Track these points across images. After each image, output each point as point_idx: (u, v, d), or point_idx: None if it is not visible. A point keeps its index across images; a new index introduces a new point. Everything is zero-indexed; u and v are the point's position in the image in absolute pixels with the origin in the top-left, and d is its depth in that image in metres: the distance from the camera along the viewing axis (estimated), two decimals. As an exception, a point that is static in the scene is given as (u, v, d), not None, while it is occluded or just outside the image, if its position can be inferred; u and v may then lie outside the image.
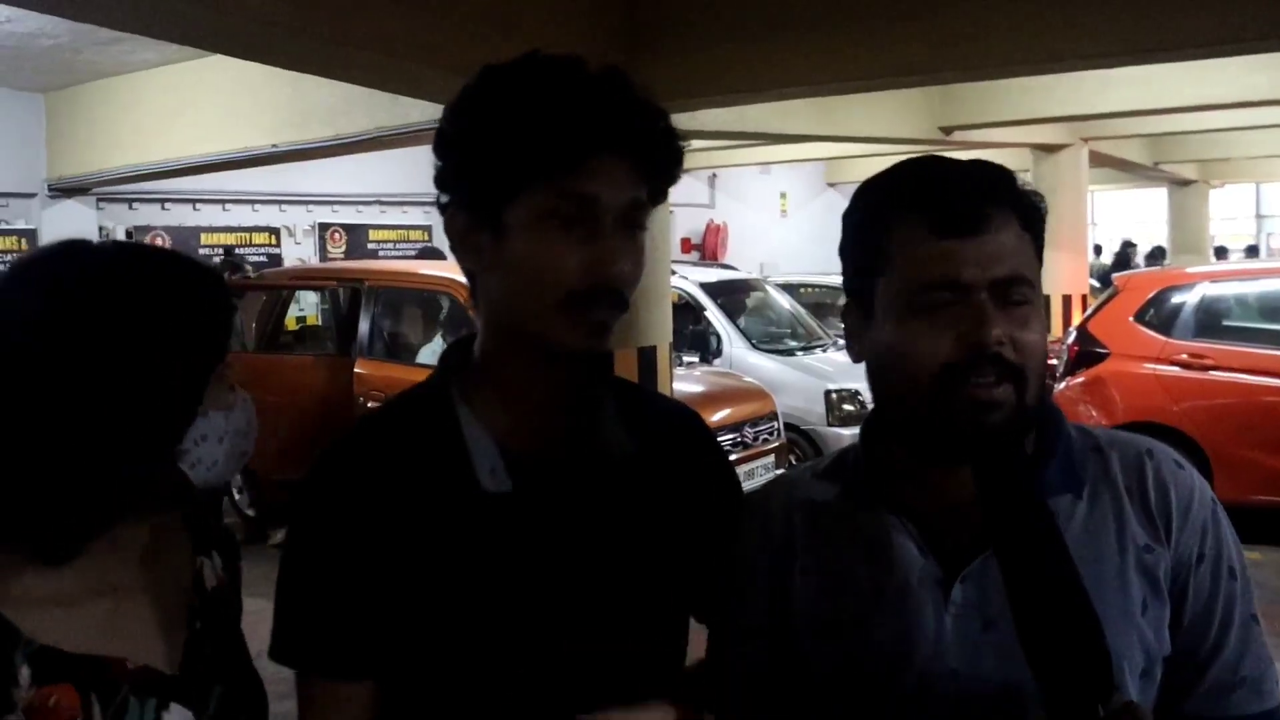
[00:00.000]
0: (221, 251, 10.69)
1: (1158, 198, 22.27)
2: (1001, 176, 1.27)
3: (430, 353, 7.42)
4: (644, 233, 1.31)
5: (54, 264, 1.29)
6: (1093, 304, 9.59)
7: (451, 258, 1.45)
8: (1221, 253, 20.74)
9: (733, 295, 10.31)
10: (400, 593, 1.28)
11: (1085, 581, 1.20)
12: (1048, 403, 1.32)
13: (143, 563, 1.34)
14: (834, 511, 1.36)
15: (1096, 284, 13.76)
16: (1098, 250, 18.85)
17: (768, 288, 10.92)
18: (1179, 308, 7.83)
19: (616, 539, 1.34)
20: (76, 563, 1.28)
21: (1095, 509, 1.28)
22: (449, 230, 1.33)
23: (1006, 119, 10.56)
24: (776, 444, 7.97)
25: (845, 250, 1.35)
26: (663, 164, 1.30)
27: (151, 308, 1.25)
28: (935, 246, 1.22)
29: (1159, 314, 7.87)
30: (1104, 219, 25.87)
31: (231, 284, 1.61)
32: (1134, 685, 1.24)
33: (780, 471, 7.62)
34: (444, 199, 1.33)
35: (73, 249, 1.31)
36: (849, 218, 1.34)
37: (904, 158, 1.34)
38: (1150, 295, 7.97)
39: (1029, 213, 1.26)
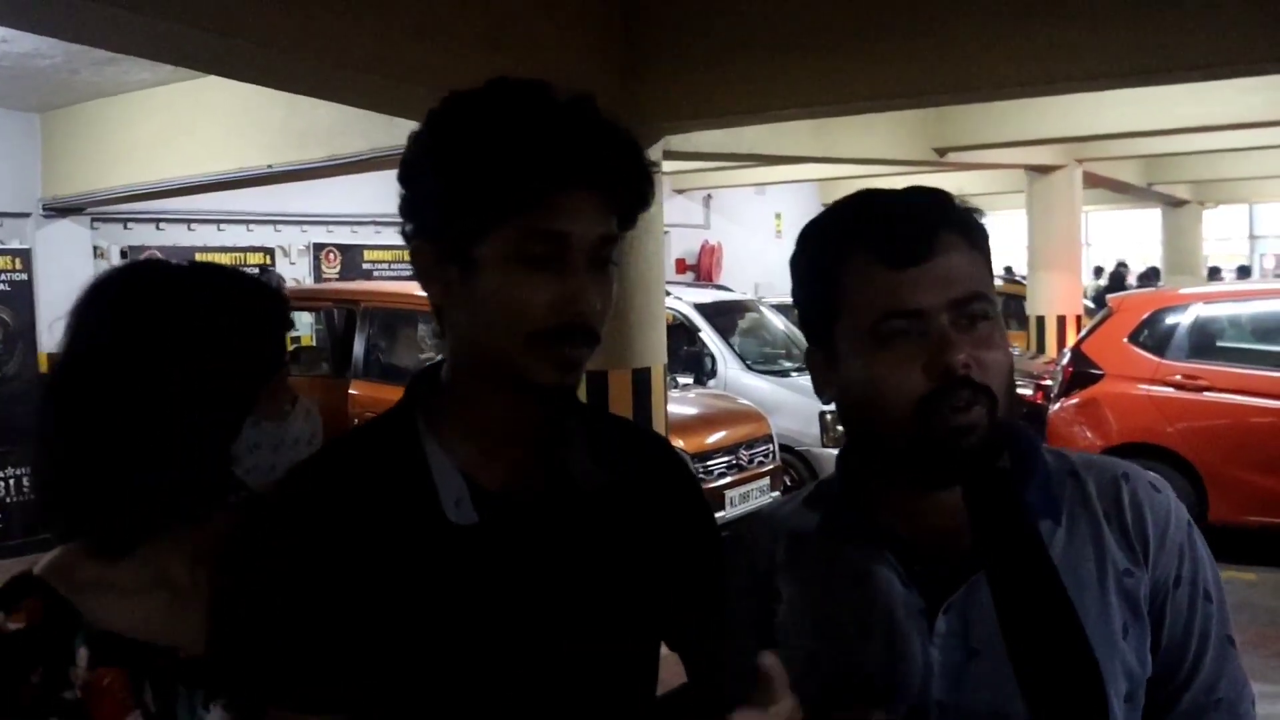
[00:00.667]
0: (258, 270, 10.63)
1: (1151, 218, 22.33)
2: (940, 200, 1.28)
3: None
4: (614, 266, 1.30)
5: (125, 283, 1.42)
6: (1087, 325, 9.61)
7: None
8: (1215, 273, 20.79)
9: (727, 316, 10.34)
10: (362, 622, 1.25)
11: None
12: (1022, 428, 1.33)
13: (201, 563, 1.42)
14: (816, 544, 1.36)
15: (1091, 305, 13.78)
16: (1098, 272, 18.85)
17: (762, 309, 10.94)
18: (1173, 329, 7.86)
19: (585, 571, 1.32)
20: (136, 557, 1.38)
21: (1074, 535, 1.29)
22: (415, 262, 1.31)
23: (1001, 140, 10.58)
24: (772, 466, 7.98)
25: (798, 296, 1.35)
26: (633, 194, 1.29)
27: (212, 325, 1.38)
28: (888, 278, 1.23)
29: (1153, 335, 7.90)
30: (1097, 239, 25.92)
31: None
32: (1119, 710, 1.24)
33: (775, 495, 7.63)
34: (409, 228, 1.31)
35: (144, 269, 1.45)
36: (797, 264, 1.34)
37: (898, 179, 1.35)
38: (1144, 316, 8.00)
39: (973, 230, 1.27)
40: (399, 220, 1.31)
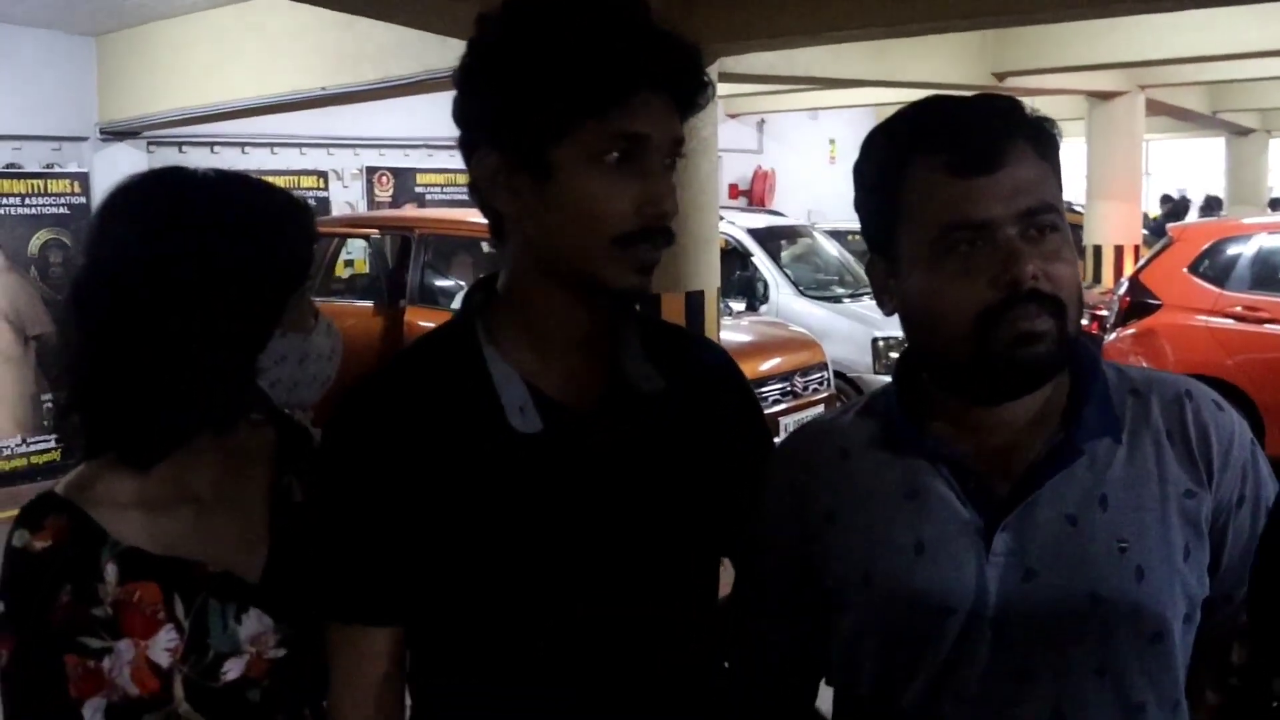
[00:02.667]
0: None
1: (1214, 148, 21.85)
2: (1011, 107, 1.25)
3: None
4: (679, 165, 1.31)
5: (148, 191, 1.39)
6: (1145, 255, 9.47)
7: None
8: (1277, 204, 20.36)
9: (780, 241, 10.24)
10: (428, 533, 1.27)
11: (1127, 528, 1.23)
12: (1083, 344, 1.30)
13: (228, 475, 1.42)
14: (869, 458, 1.33)
15: (1148, 234, 13.55)
16: (1165, 200, 18.43)
17: (815, 234, 10.86)
18: (1234, 259, 7.72)
19: (647, 478, 1.33)
20: (162, 471, 1.37)
21: (1135, 454, 1.26)
22: (477, 171, 1.30)
23: (1061, 65, 10.36)
24: (826, 394, 7.95)
25: (860, 203, 1.32)
26: (697, 99, 1.30)
27: (239, 235, 1.35)
28: (954, 187, 1.20)
29: (1214, 265, 7.76)
30: (1158, 169, 25.43)
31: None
32: (1177, 630, 1.23)
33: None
34: (469, 136, 1.30)
35: (167, 177, 1.42)
36: (860, 169, 1.32)
37: None
38: (1205, 246, 7.86)
39: (1043, 140, 1.24)
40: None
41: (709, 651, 1.42)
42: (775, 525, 1.38)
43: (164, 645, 1.33)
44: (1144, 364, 7.62)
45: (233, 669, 1.35)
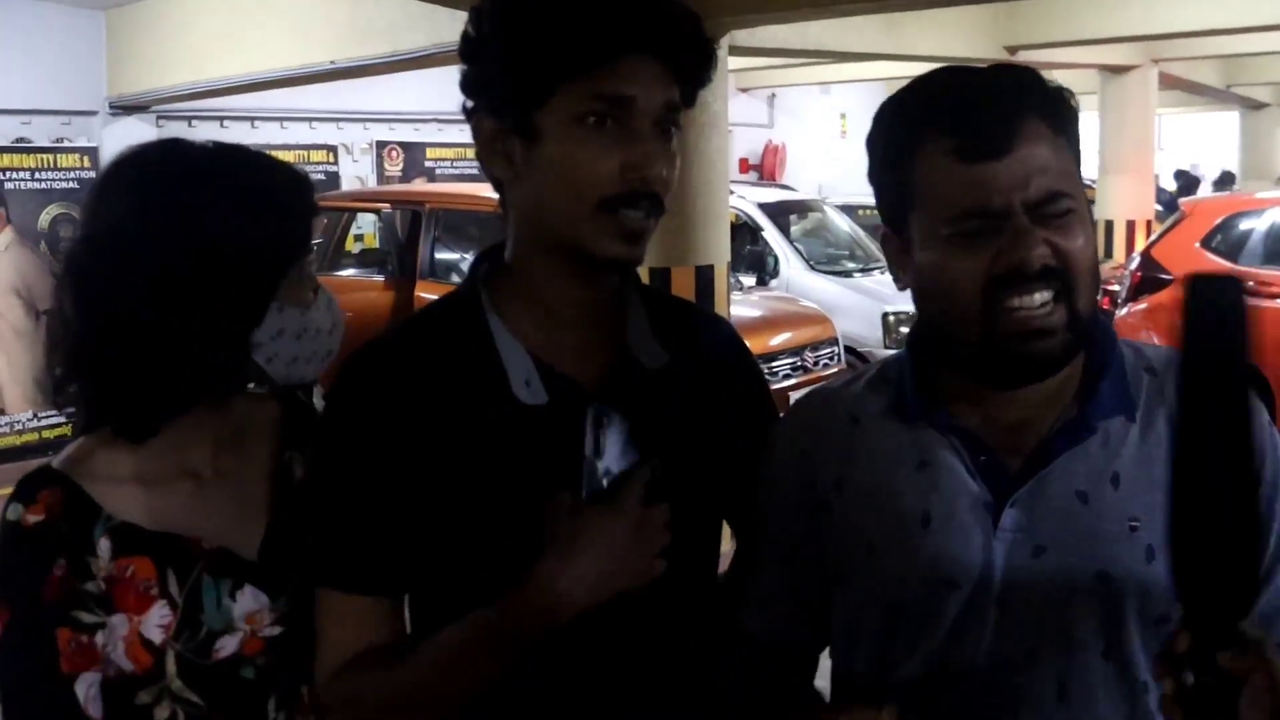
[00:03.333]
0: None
1: (1228, 122, 21.72)
2: (1025, 80, 1.21)
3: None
4: (678, 135, 1.29)
5: (146, 163, 1.37)
6: (1158, 229, 9.43)
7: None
8: (1289, 179, 20.23)
9: (791, 216, 10.22)
10: (428, 501, 1.27)
11: (1140, 508, 1.21)
12: (1100, 320, 1.28)
13: (227, 450, 1.42)
14: (880, 427, 1.32)
15: (1160, 209, 13.49)
16: (1179, 175, 18.32)
17: (826, 209, 10.83)
18: (1247, 234, 7.68)
19: (650, 450, 1.30)
20: (158, 445, 1.36)
21: (1149, 433, 1.25)
22: (476, 137, 1.31)
23: (1074, 38, 10.30)
24: (837, 369, 7.95)
25: (873, 177, 1.31)
26: (695, 64, 1.28)
27: (236, 208, 1.34)
28: (964, 173, 1.17)
29: (1226, 240, 7.72)
30: (1170, 143, 25.29)
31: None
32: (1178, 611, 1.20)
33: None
34: (470, 105, 1.31)
35: (165, 149, 1.40)
36: (872, 144, 1.29)
37: None
38: (1218, 221, 7.83)
39: (1061, 114, 1.21)
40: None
41: (707, 624, 1.42)
42: (783, 491, 1.37)
43: (156, 621, 1.33)
44: (1155, 339, 7.60)
45: (226, 646, 1.35)
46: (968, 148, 1.17)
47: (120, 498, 1.34)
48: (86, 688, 1.30)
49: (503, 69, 1.24)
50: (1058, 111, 1.21)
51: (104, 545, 1.32)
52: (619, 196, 1.23)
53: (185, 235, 1.31)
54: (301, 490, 1.41)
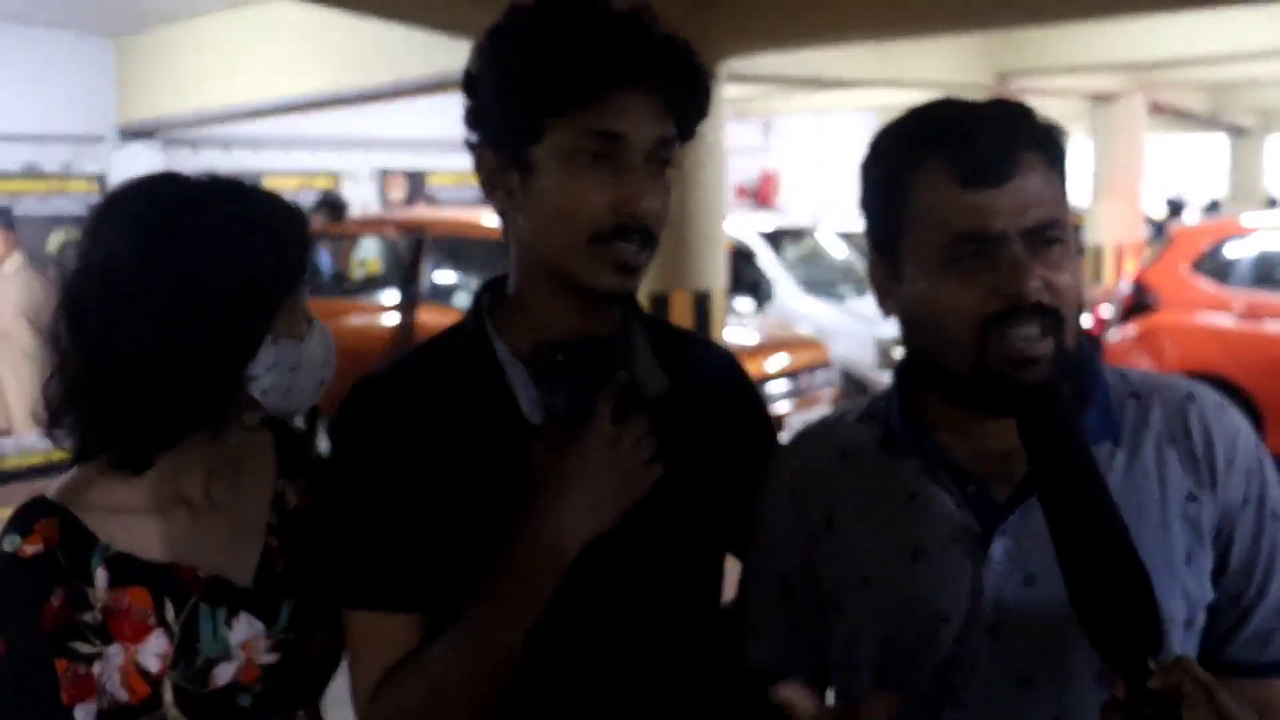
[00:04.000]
0: (321, 195, 10.68)
1: (1215, 145, 21.77)
2: (1022, 115, 1.22)
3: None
4: (672, 170, 1.30)
5: (142, 196, 1.37)
6: (1146, 254, 9.51)
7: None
8: (1274, 204, 20.31)
9: (785, 241, 10.28)
10: (441, 520, 1.27)
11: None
12: (1084, 348, 1.28)
13: (222, 479, 1.41)
14: (869, 461, 1.31)
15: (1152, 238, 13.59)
16: (1171, 205, 18.37)
17: (820, 234, 10.88)
18: (1235, 258, 7.72)
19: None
20: (153, 475, 1.35)
21: (1135, 458, 1.24)
22: (479, 170, 1.32)
23: (1065, 65, 10.43)
24: (831, 393, 8.01)
25: (866, 202, 1.29)
26: (690, 99, 1.29)
27: (228, 240, 1.33)
28: (964, 198, 1.17)
29: (1214, 264, 7.75)
30: (1159, 168, 25.31)
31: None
32: (1177, 635, 1.21)
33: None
34: (473, 139, 1.32)
35: (161, 181, 1.39)
36: (867, 169, 1.28)
37: None
38: (1206, 245, 7.86)
39: (1053, 149, 1.21)
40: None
41: (711, 650, 1.41)
42: (776, 528, 1.37)
43: (154, 651, 1.32)
44: (1145, 362, 7.64)
45: (223, 674, 1.35)
46: (968, 174, 1.17)
47: (116, 527, 1.34)
48: (84, 717, 1.30)
49: (497, 105, 1.26)
50: (1051, 145, 1.22)
51: (101, 575, 1.31)
52: (609, 230, 1.24)
53: (180, 268, 1.30)
54: (300, 517, 1.42)
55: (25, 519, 1.31)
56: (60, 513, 1.31)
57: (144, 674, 1.31)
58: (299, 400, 1.44)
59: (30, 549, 1.29)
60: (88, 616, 1.30)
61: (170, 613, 1.33)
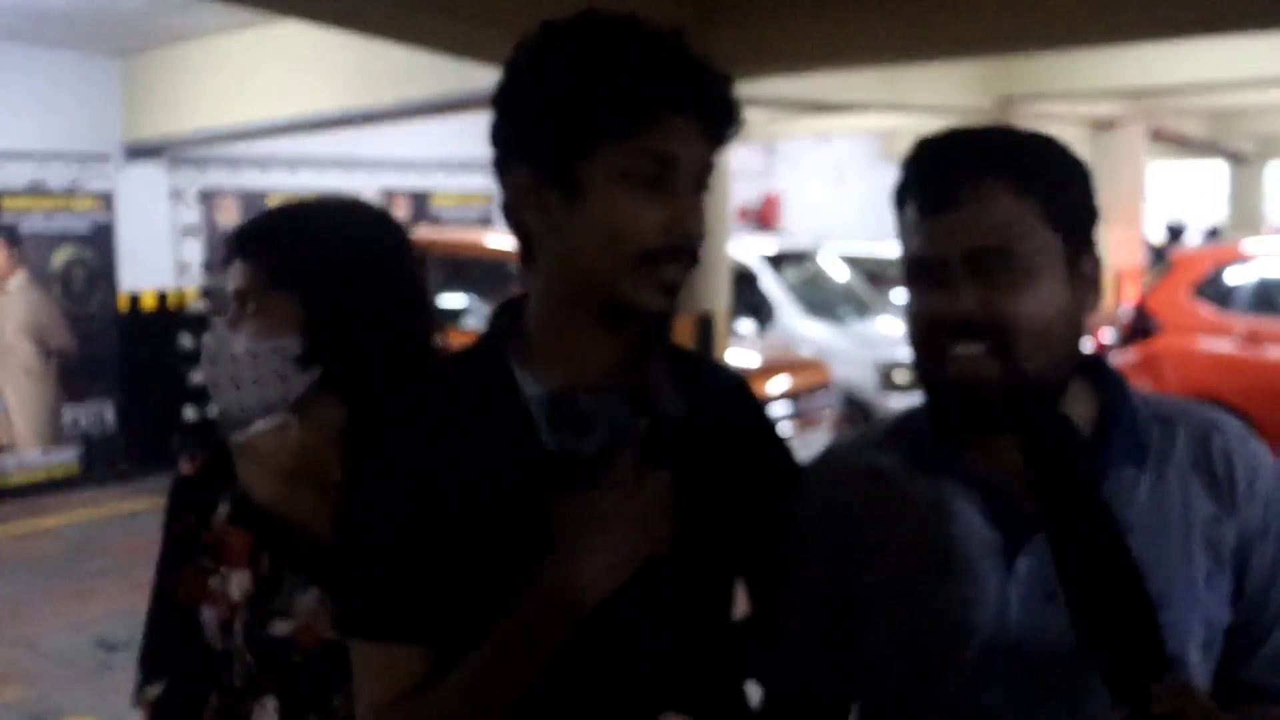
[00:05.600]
0: None
1: (1214, 172, 21.81)
2: (994, 144, 1.27)
3: (479, 321, 7.51)
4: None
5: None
6: (1146, 279, 9.51)
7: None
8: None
9: (788, 264, 10.32)
10: (455, 552, 1.26)
11: (1148, 556, 1.19)
12: (1110, 372, 1.33)
13: (317, 449, 1.54)
14: (898, 479, 1.34)
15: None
16: (1170, 231, 18.39)
17: (823, 257, 10.91)
18: (1237, 283, 7.75)
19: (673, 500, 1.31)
20: (298, 443, 1.53)
21: (1159, 482, 1.27)
22: (510, 187, 1.31)
23: (1067, 91, 10.43)
24: (833, 416, 8.01)
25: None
26: (728, 127, 1.31)
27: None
28: (919, 224, 1.26)
29: (1216, 289, 7.78)
30: (1159, 194, 25.31)
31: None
32: (1195, 658, 1.24)
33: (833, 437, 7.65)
34: (501, 156, 1.32)
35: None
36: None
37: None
38: (1208, 270, 7.89)
39: (1030, 175, 1.24)
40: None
41: (723, 672, 1.42)
42: (807, 544, 1.39)
43: (238, 584, 1.53)
44: (1146, 387, 7.63)
45: (280, 628, 1.51)
46: (923, 202, 1.26)
47: (253, 477, 1.55)
48: (209, 617, 1.55)
49: (544, 123, 1.25)
50: (1025, 171, 1.24)
51: (222, 509, 1.56)
52: (659, 251, 1.25)
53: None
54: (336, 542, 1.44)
55: (198, 450, 1.62)
56: (222, 451, 1.58)
57: (228, 599, 1.54)
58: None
59: (186, 470, 1.61)
60: (208, 537, 1.56)
61: (265, 561, 1.53)
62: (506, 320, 1.38)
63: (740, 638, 1.46)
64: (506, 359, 1.33)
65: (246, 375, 1.50)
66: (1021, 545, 1.25)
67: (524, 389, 1.31)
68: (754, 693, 1.47)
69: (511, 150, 1.31)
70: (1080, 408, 1.31)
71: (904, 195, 1.29)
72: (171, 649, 1.59)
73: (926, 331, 1.26)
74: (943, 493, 1.30)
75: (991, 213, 1.22)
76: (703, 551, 1.33)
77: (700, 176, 1.29)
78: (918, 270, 1.27)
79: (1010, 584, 1.25)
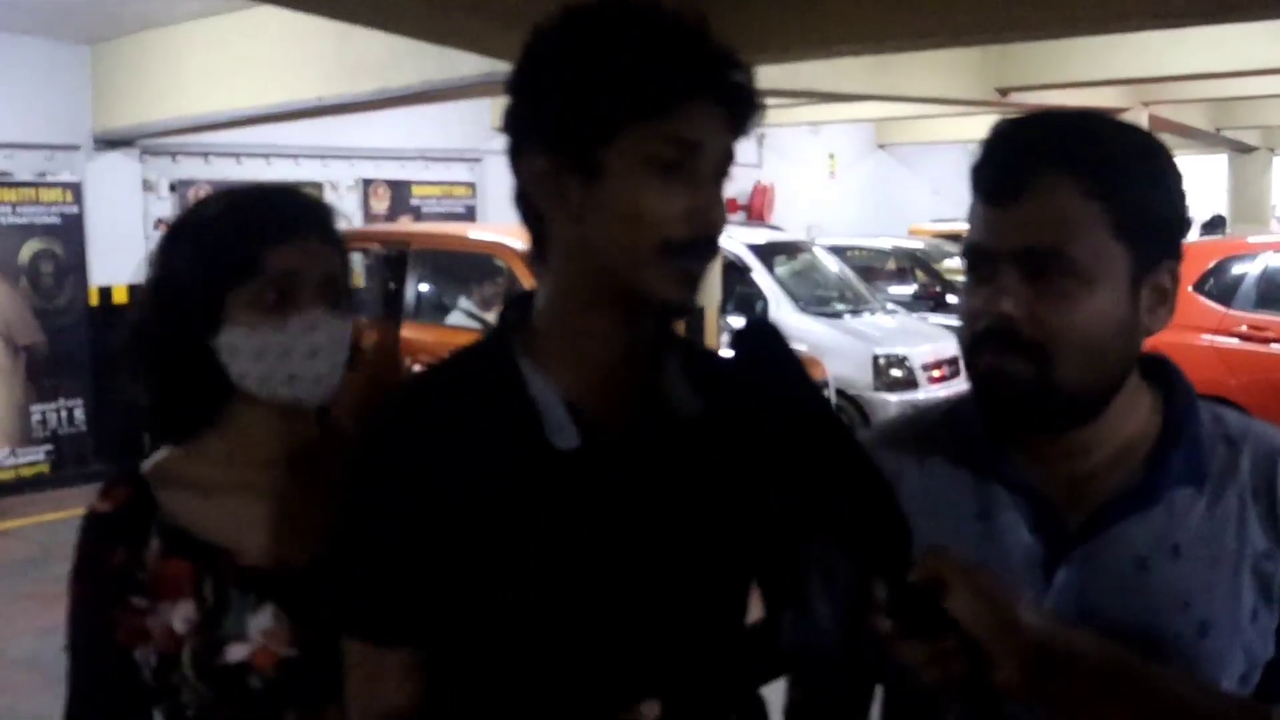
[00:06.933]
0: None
1: (1215, 165, 21.84)
2: (1069, 136, 1.22)
3: (458, 315, 7.42)
4: (730, 190, 1.30)
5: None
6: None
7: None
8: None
9: (780, 257, 10.19)
10: (458, 547, 1.25)
11: (1196, 582, 1.20)
12: (1180, 381, 1.30)
13: (290, 472, 1.55)
14: (945, 471, 1.34)
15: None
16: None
17: (815, 250, 10.80)
18: (1240, 278, 7.70)
19: (684, 498, 1.31)
20: (222, 457, 1.54)
21: (1216, 506, 1.24)
22: (525, 173, 1.28)
23: (1065, 80, 10.35)
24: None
25: None
26: (750, 112, 1.28)
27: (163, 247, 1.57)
28: (980, 213, 1.24)
29: (1219, 284, 7.74)
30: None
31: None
32: (1230, 689, 1.21)
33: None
34: (516, 142, 1.29)
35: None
36: None
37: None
38: (1210, 265, 7.85)
39: (1098, 176, 1.18)
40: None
41: (735, 677, 1.41)
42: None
43: (182, 616, 1.47)
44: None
45: (235, 653, 1.46)
46: (984, 192, 1.23)
47: (177, 503, 1.51)
48: (142, 658, 1.49)
49: (567, 106, 1.22)
50: (1096, 169, 1.18)
51: (155, 543, 1.49)
52: (681, 241, 1.22)
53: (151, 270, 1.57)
54: (332, 539, 1.42)
55: (110, 483, 1.54)
56: (137, 482, 1.52)
57: (173, 633, 1.47)
58: (305, 389, 1.52)
59: (103, 507, 1.51)
60: (141, 575, 1.48)
61: (208, 588, 1.48)
62: (515, 315, 1.36)
63: (753, 642, 1.46)
64: (514, 356, 1.31)
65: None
66: (1062, 558, 1.24)
67: (530, 383, 1.29)
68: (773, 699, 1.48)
69: (528, 135, 1.27)
70: (1140, 419, 1.28)
71: (973, 179, 1.26)
72: (113, 697, 1.52)
73: (966, 325, 1.24)
74: (989, 493, 1.29)
75: (1051, 210, 1.18)
76: (715, 553, 1.33)
77: (722, 165, 1.27)
78: (972, 260, 1.25)
79: (1047, 595, 1.23)
